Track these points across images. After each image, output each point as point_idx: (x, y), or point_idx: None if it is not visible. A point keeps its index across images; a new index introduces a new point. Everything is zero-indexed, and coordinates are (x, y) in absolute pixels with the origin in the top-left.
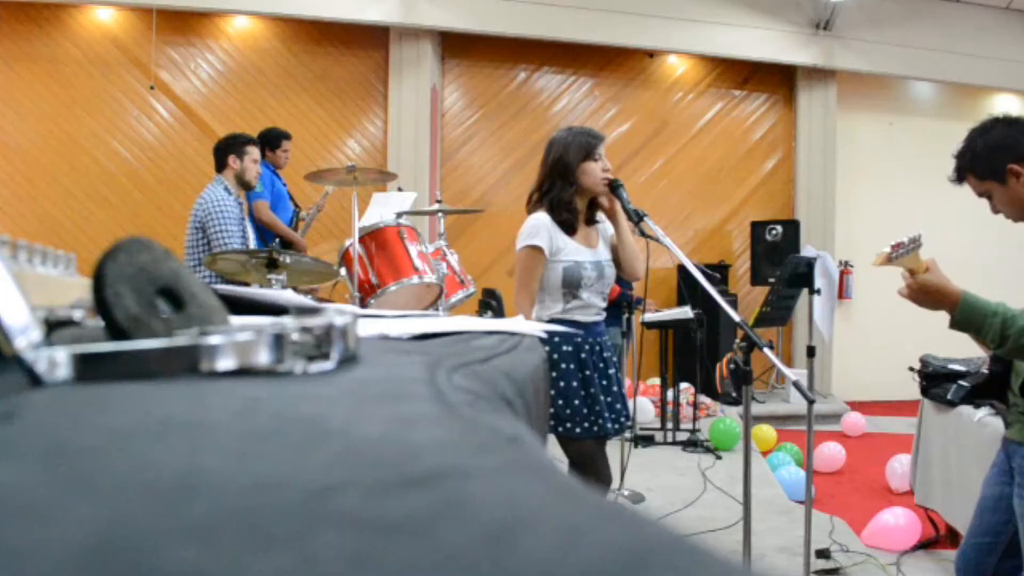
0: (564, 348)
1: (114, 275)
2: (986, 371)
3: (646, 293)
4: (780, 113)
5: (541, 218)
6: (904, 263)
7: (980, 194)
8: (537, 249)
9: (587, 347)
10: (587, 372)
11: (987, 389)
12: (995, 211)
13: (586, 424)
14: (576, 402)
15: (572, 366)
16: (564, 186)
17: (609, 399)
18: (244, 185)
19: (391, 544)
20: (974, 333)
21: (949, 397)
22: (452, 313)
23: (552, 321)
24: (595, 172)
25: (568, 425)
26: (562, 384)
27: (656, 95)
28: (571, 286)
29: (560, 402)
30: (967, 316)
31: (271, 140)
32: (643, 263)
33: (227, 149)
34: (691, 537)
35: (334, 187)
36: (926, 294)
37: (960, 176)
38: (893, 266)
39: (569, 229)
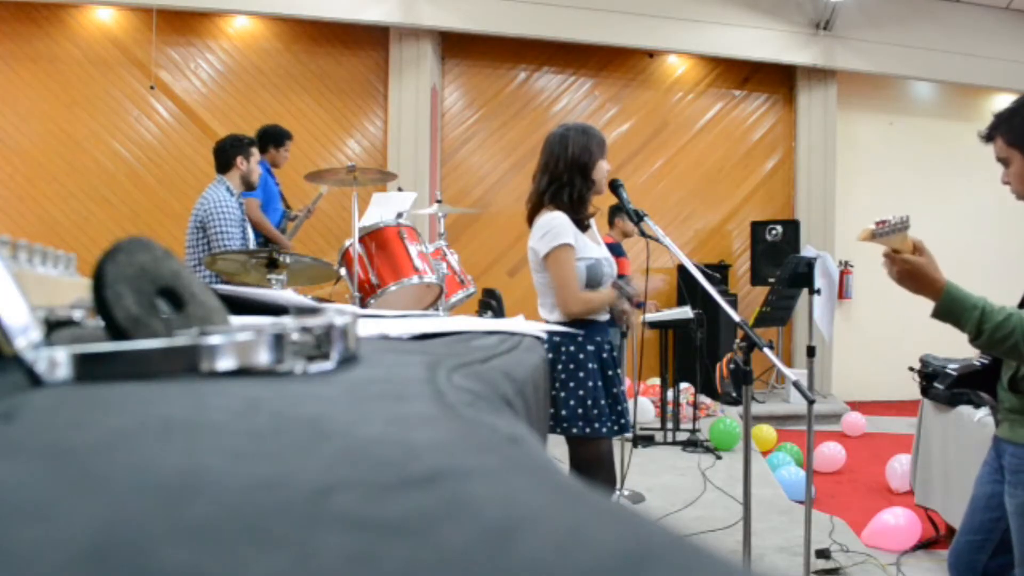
0: (588, 347)
1: (114, 275)
2: (978, 363)
3: (646, 295)
4: (780, 113)
5: (561, 216)
6: (889, 242)
7: (999, 158)
8: (571, 247)
9: (607, 346)
10: (608, 372)
11: (976, 380)
12: (1004, 181)
13: (609, 423)
14: (603, 402)
15: (595, 366)
16: (585, 184)
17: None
18: (248, 186)
19: (391, 544)
20: (953, 323)
21: (936, 384)
22: (452, 313)
23: (574, 323)
24: (605, 172)
25: (596, 425)
26: (589, 384)
27: (656, 95)
28: (594, 284)
29: (589, 402)
30: (948, 306)
31: (276, 138)
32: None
33: (234, 150)
34: (691, 537)
35: (327, 188)
36: (912, 277)
37: (991, 134)
38: (877, 243)
39: (582, 227)
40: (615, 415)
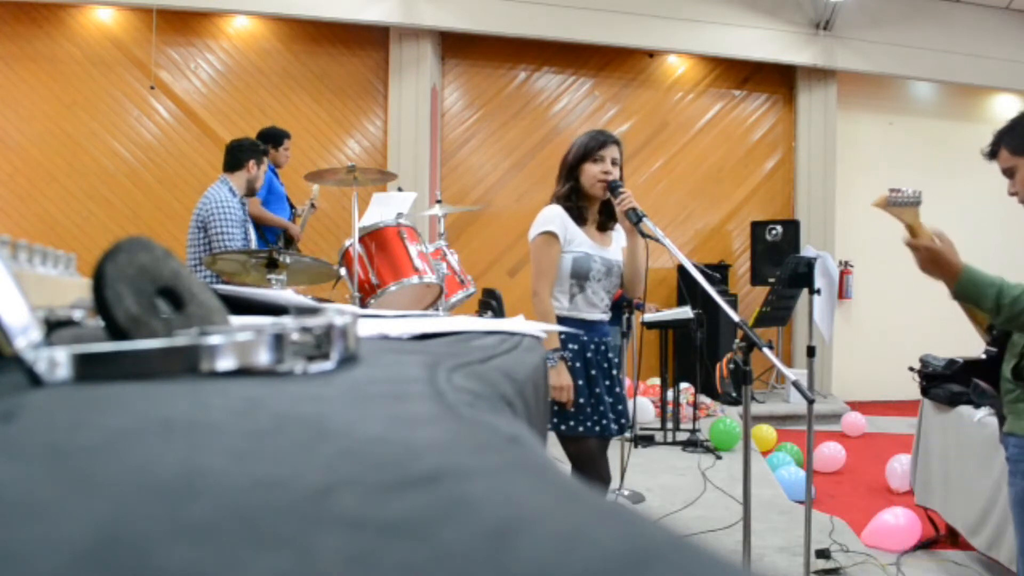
0: (570, 346)
1: (114, 275)
2: (983, 356)
3: (645, 296)
4: (780, 113)
5: (553, 208)
6: (903, 215)
7: (1005, 171)
8: (552, 235)
9: (592, 346)
10: (592, 371)
11: (980, 371)
12: (1012, 192)
13: (589, 423)
14: (580, 400)
15: (578, 364)
16: (566, 184)
17: (611, 400)
18: (251, 191)
19: (391, 544)
20: (973, 303)
21: (943, 373)
22: (452, 313)
23: (558, 319)
24: (592, 174)
25: (572, 423)
26: None
27: (656, 95)
28: (580, 277)
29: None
30: (966, 286)
31: (275, 138)
32: (643, 284)
33: (249, 153)
34: (691, 537)
35: (319, 185)
36: (933, 262)
37: (995, 149)
38: (889, 213)
39: (579, 220)
40: (597, 415)
